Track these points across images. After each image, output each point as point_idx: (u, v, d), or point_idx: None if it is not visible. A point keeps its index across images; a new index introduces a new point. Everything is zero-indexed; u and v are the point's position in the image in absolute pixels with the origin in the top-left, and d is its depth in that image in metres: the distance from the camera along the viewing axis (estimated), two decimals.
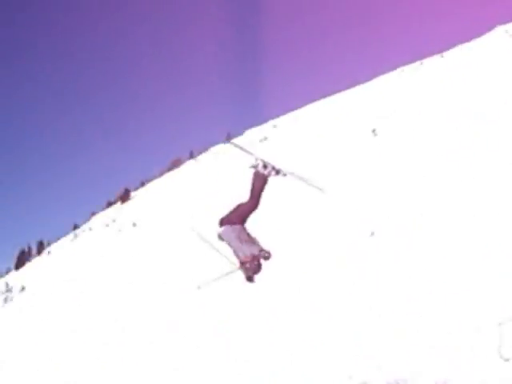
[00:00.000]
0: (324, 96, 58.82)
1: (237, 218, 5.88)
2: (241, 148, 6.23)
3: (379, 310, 10.59)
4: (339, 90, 57.60)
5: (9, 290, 45.47)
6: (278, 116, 60.69)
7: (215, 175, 46.94)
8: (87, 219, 60.62)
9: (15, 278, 49.22)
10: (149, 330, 18.63)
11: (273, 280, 14.34)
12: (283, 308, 13.54)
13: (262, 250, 5.59)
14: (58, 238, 58.76)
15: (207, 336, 14.54)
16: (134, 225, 43.97)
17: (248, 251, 5.60)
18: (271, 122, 59.55)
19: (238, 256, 5.70)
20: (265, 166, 5.90)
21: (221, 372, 11.98)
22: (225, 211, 6.10)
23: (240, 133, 62.63)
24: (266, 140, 50.03)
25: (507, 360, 6.30)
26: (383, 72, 53.68)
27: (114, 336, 20.58)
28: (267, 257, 5.57)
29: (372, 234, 7.64)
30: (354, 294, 12.14)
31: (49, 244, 58.84)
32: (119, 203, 58.60)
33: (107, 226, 49.77)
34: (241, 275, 5.88)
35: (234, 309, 15.36)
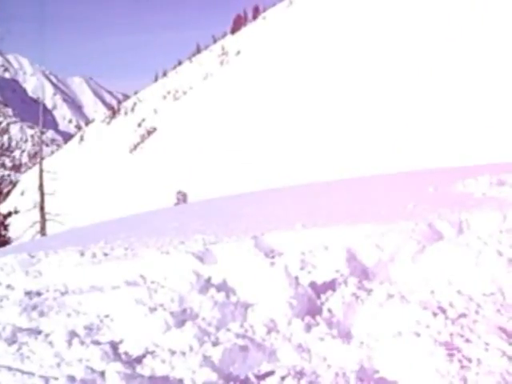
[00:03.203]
0: None
1: None
2: None
3: None
4: None
5: (225, 53, 45.96)
6: None
7: None
8: None
9: (231, 42, 49.32)
10: None
11: None
12: None
13: None
14: (274, 4, 56.47)
15: None
16: None
17: None
18: None
19: None
20: None
21: None
22: None
23: None
24: None
25: None
26: None
27: None
28: None
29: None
30: None
31: (264, 10, 56.89)
32: None
33: None
34: None
35: None
